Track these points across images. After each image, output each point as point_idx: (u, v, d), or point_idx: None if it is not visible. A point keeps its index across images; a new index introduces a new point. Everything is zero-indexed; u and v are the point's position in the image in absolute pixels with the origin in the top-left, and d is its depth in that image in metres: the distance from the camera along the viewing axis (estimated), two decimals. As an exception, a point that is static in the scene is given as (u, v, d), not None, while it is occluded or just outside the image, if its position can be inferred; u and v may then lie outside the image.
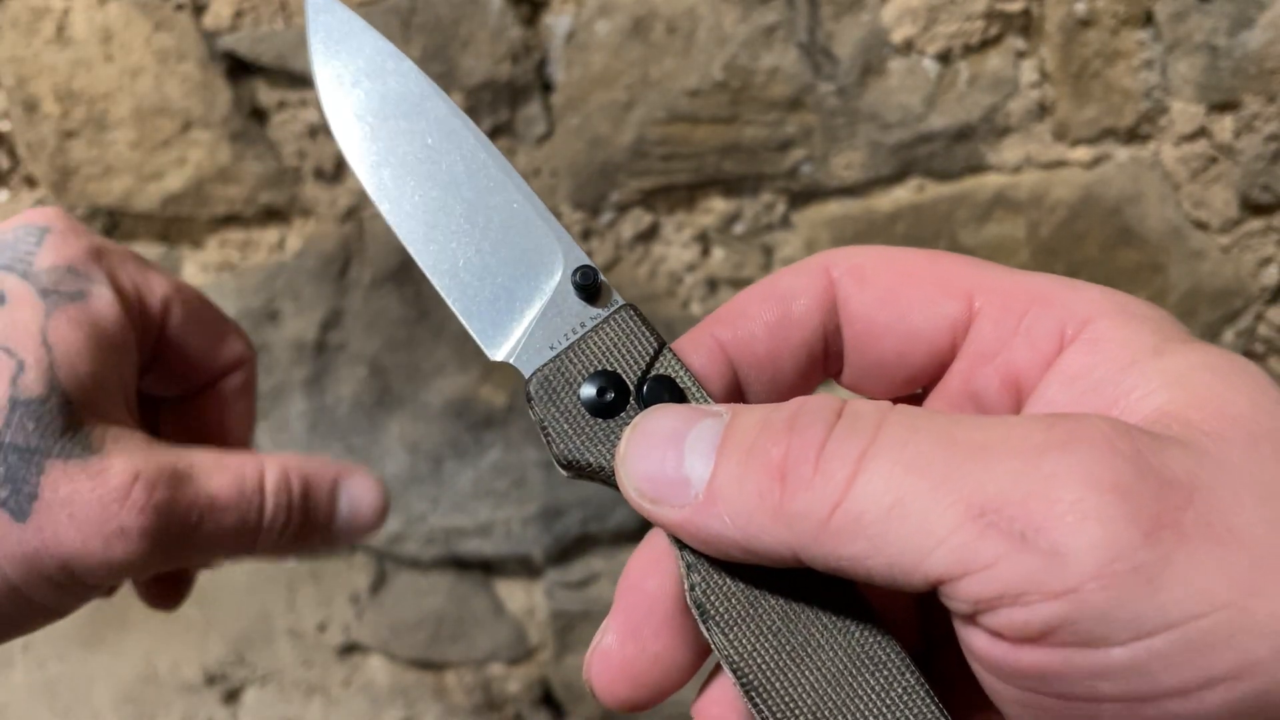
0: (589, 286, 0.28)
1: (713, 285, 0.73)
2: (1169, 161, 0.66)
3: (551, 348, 0.28)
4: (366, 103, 0.29)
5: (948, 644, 0.27)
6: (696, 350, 0.29)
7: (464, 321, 0.29)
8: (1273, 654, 0.20)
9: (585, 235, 0.72)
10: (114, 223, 0.76)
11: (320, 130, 0.71)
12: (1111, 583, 0.20)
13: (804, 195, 0.69)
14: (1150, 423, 0.23)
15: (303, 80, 0.69)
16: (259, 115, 0.71)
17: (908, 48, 0.65)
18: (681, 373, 0.28)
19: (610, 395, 0.27)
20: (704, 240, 0.72)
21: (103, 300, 0.31)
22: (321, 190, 0.73)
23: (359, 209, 0.73)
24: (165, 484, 0.30)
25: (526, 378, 0.28)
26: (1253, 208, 0.66)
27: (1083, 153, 0.66)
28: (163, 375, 0.36)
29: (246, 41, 0.68)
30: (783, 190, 0.69)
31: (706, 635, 0.26)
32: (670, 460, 0.25)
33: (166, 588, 0.37)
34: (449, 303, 0.29)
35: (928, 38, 0.64)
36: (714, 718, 0.28)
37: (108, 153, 0.72)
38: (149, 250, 0.76)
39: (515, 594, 0.85)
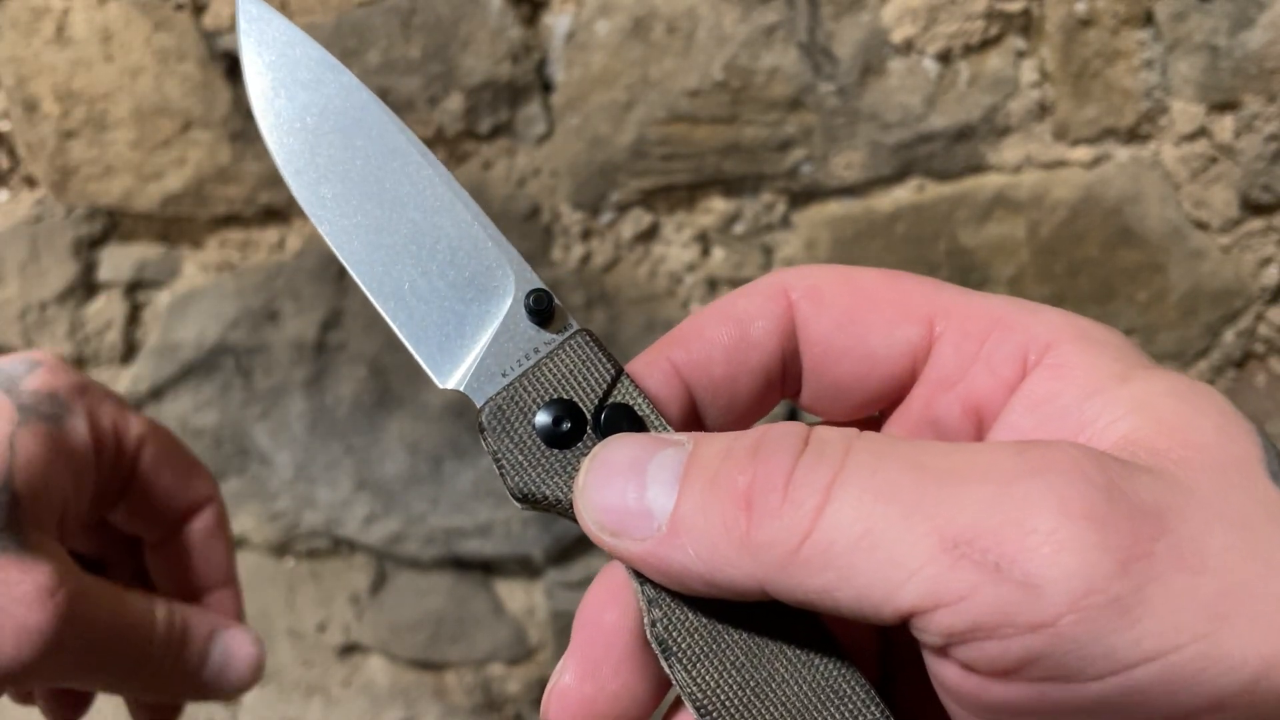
0: (542, 311, 0.27)
1: (713, 285, 0.73)
2: (1169, 161, 0.66)
3: (504, 374, 0.27)
4: (304, 116, 0.28)
5: (909, 674, 0.27)
6: (651, 373, 0.28)
7: (410, 348, 0.28)
8: (1244, 687, 0.20)
9: (585, 235, 0.72)
10: (114, 223, 0.76)
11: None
12: (1087, 615, 0.20)
13: (804, 195, 0.69)
14: (1118, 450, 0.22)
15: (303, 80, 0.69)
16: (259, 115, 0.71)
17: (908, 48, 0.65)
18: (640, 400, 0.27)
19: (566, 425, 0.26)
20: (704, 240, 0.72)
21: (74, 429, 0.34)
22: (321, 190, 0.73)
23: (359, 209, 0.73)
24: (82, 599, 0.31)
25: (478, 407, 0.27)
26: (1253, 207, 0.66)
27: (1083, 153, 0.66)
28: (134, 508, 0.38)
29: (246, 41, 0.68)
30: (783, 190, 0.69)
31: (669, 671, 0.26)
32: (631, 491, 0.24)
33: (65, 702, 0.39)
34: (394, 328, 0.28)
35: (928, 38, 0.64)
36: None
37: (108, 152, 0.72)
38: (148, 251, 0.76)
39: (515, 594, 0.85)
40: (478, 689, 0.89)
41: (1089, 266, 0.68)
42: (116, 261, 0.77)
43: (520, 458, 0.27)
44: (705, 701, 0.25)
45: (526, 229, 0.72)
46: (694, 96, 0.66)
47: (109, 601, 0.33)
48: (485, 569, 0.85)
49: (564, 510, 0.27)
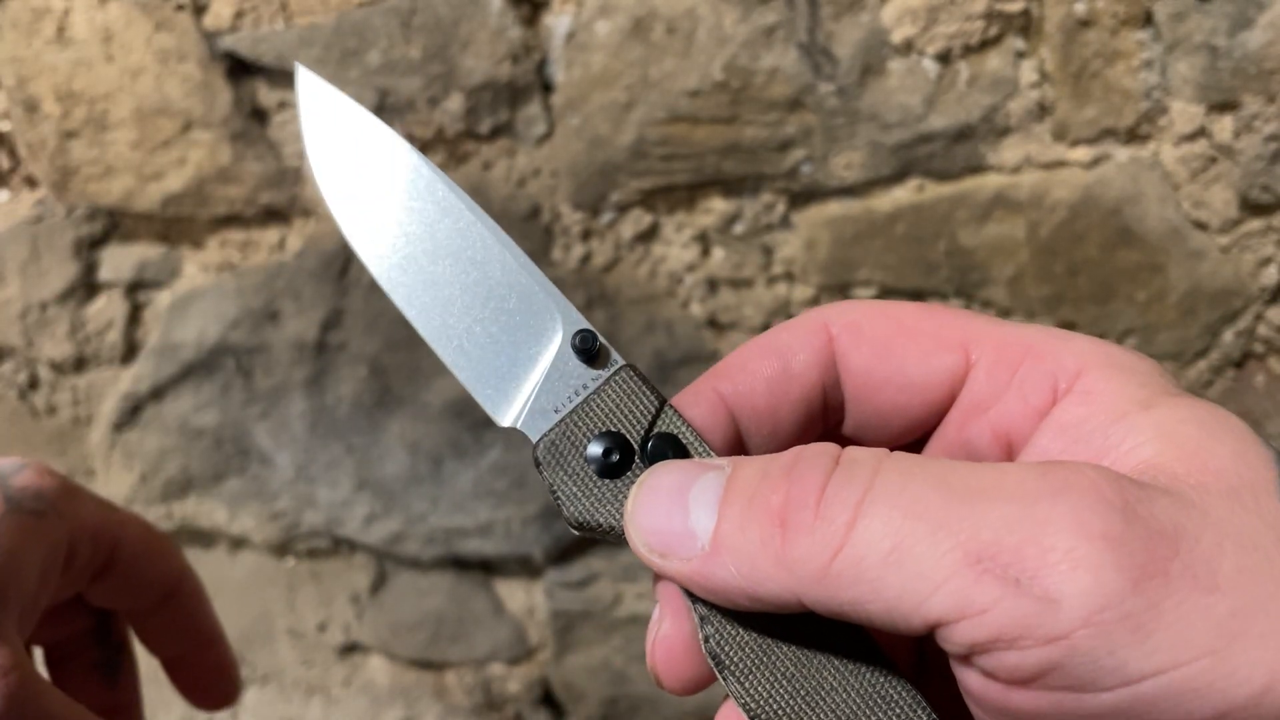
0: (589, 350, 0.29)
1: (713, 285, 0.73)
2: (1169, 162, 0.66)
3: (556, 411, 0.29)
4: (362, 183, 0.30)
5: (940, 681, 0.28)
6: (698, 403, 0.29)
7: (471, 392, 0.29)
8: (1250, 700, 0.21)
9: (585, 235, 0.72)
10: (115, 223, 0.76)
11: (320, 130, 0.71)
12: (1101, 630, 0.21)
13: (804, 195, 0.69)
14: (1138, 473, 0.24)
15: (303, 80, 0.69)
16: (259, 115, 0.71)
17: (908, 48, 0.65)
18: (683, 428, 0.28)
19: (615, 456, 0.28)
20: (704, 240, 0.72)
21: (55, 527, 0.35)
22: (322, 190, 0.73)
23: (359, 209, 0.73)
24: (28, 684, 0.32)
25: (533, 443, 0.29)
26: (1252, 208, 0.66)
27: (1082, 153, 0.66)
28: (115, 587, 0.40)
29: (247, 42, 0.68)
30: (783, 190, 0.69)
31: (724, 684, 0.27)
32: (676, 514, 0.25)
33: None
34: (456, 374, 0.30)
35: (927, 38, 0.64)
36: None
37: (108, 153, 0.72)
38: (149, 251, 0.76)
39: (515, 594, 0.85)
40: (478, 689, 0.89)
41: (1088, 267, 0.68)
42: (117, 262, 0.77)
43: (575, 489, 0.28)
44: (759, 711, 0.26)
45: (526, 229, 0.72)
46: (694, 97, 0.66)
47: (51, 696, 0.34)
48: (485, 569, 0.85)
49: (616, 537, 0.28)
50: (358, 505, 0.81)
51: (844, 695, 0.26)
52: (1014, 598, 0.21)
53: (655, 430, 0.28)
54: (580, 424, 0.29)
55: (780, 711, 0.26)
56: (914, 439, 0.30)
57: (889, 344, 0.29)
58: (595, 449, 0.28)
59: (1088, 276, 0.68)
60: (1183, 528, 0.22)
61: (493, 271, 0.30)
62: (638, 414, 0.29)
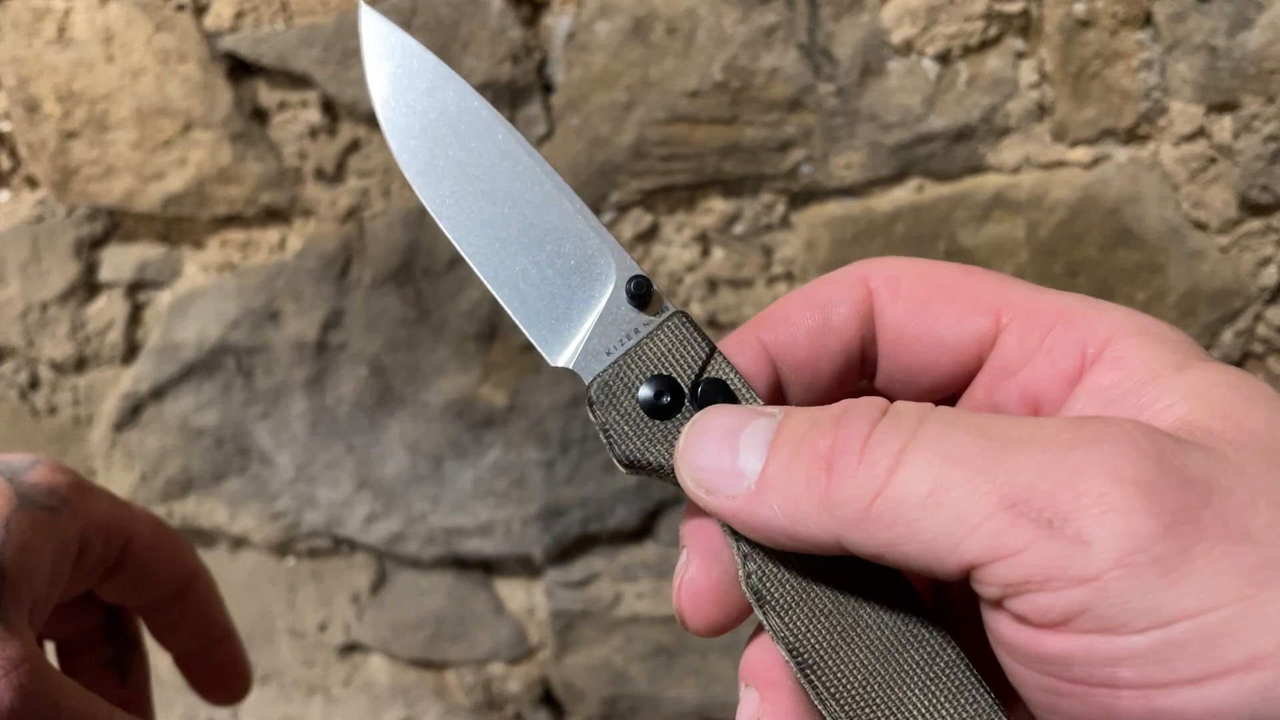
0: (642, 295, 0.30)
1: (713, 285, 0.73)
2: (1168, 162, 0.66)
3: (609, 353, 0.30)
4: (422, 121, 0.30)
5: (961, 633, 0.29)
6: (742, 351, 0.30)
7: (525, 331, 0.30)
8: (1278, 647, 0.21)
9: (585, 235, 0.72)
10: (115, 223, 0.77)
11: (321, 130, 0.71)
12: (1132, 572, 0.21)
13: (804, 195, 0.70)
14: (1174, 430, 0.24)
15: (303, 81, 0.69)
16: (260, 116, 0.71)
17: (907, 48, 0.65)
18: (733, 376, 0.29)
19: (666, 398, 0.29)
20: (704, 240, 0.72)
21: (67, 523, 0.36)
22: (322, 190, 0.73)
23: (359, 209, 0.73)
24: (40, 678, 0.32)
25: (587, 383, 0.30)
26: (1251, 208, 0.66)
27: (1082, 153, 0.66)
28: (128, 584, 0.41)
29: (247, 42, 0.68)
30: (782, 190, 0.69)
31: (762, 618, 0.28)
32: (726, 454, 0.26)
33: None
34: (511, 313, 0.30)
35: (927, 38, 0.64)
36: (762, 669, 0.30)
37: (109, 153, 0.72)
38: (149, 251, 0.77)
39: (515, 594, 0.86)
40: (478, 688, 0.89)
41: (1088, 267, 0.68)
42: (118, 262, 0.77)
43: (626, 428, 0.29)
44: (797, 644, 0.28)
45: (527, 229, 0.72)
46: (694, 97, 0.66)
47: (62, 687, 0.34)
48: (485, 568, 0.85)
49: (665, 474, 0.29)
50: (358, 505, 0.81)
51: (878, 631, 0.28)
52: (1046, 540, 0.22)
53: (705, 375, 0.29)
54: (632, 366, 0.29)
55: (817, 645, 0.28)
56: (942, 398, 0.31)
57: (924, 302, 0.29)
58: (647, 391, 0.29)
59: (1087, 277, 0.69)
60: (1215, 480, 0.22)
61: (549, 216, 0.30)
62: (688, 359, 0.29)
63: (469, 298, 0.74)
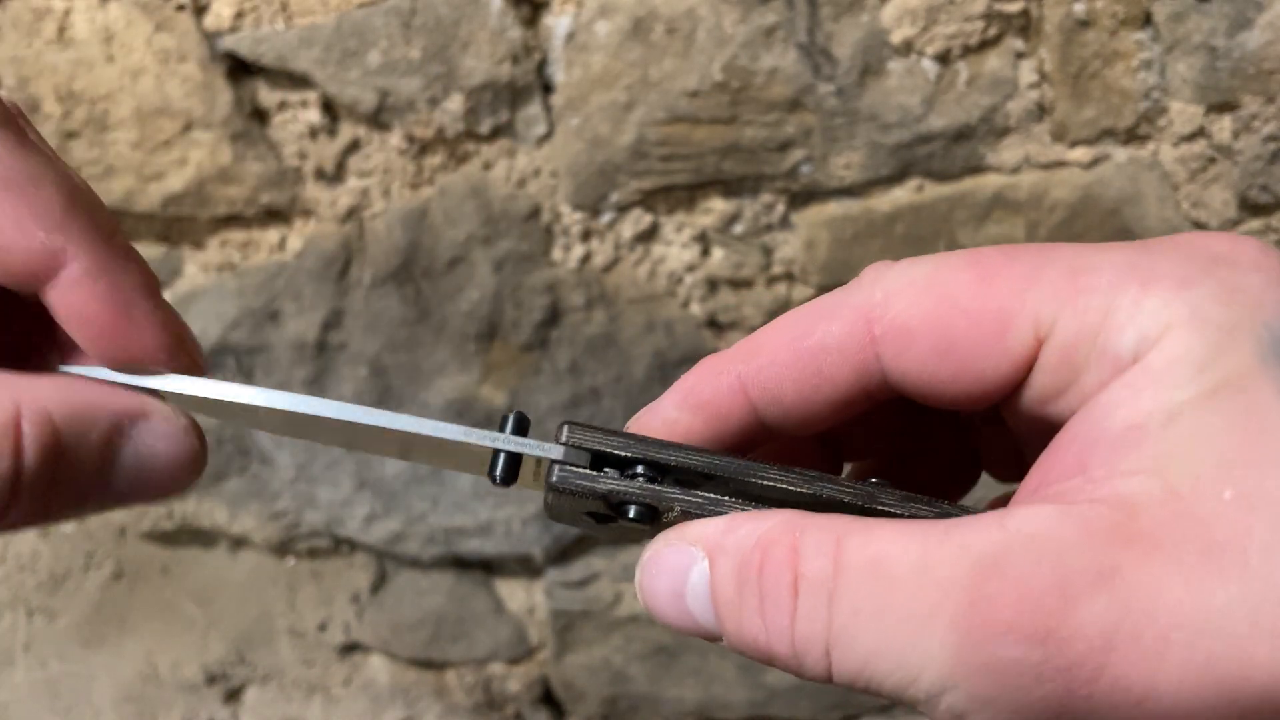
0: (511, 470, 0.29)
1: (713, 285, 0.73)
2: (1168, 162, 0.66)
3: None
4: None
5: (993, 447, 0.31)
6: (715, 385, 0.28)
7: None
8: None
9: (585, 235, 0.72)
10: (115, 223, 0.77)
11: (321, 130, 0.71)
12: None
13: (804, 195, 0.70)
14: (1098, 518, 0.22)
15: (303, 81, 0.70)
16: (260, 116, 0.71)
17: (907, 48, 0.65)
18: (631, 488, 0.27)
19: (608, 515, 0.28)
20: (704, 240, 0.72)
21: None
22: (322, 190, 0.73)
23: (359, 209, 0.73)
24: None
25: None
26: (1251, 208, 0.66)
27: (1081, 153, 0.66)
28: None
29: (247, 42, 0.68)
30: (782, 190, 0.69)
31: None
32: (685, 617, 0.26)
33: None
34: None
35: (927, 38, 0.64)
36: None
37: (109, 153, 0.72)
38: (150, 251, 0.77)
39: (515, 593, 0.86)
40: (478, 688, 0.89)
41: (1088, 267, 0.68)
42: (118, 262, 0.77)
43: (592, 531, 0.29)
44: None
45: (526, 229, 0.72)
46: (694, 97, 0.66)
47: None
48: (485, 568, 0.85)
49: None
50: (358, 505, 0.81)
51: None
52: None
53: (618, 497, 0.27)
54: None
55: None
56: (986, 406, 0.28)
57: (945, 340, 0.25)
58: (587, 516, 0.28)
59: (1087, 276, 0.69)
60: (1116, 631, 0.21)
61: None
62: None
63: (469, 298, 0.74)
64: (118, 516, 0.86)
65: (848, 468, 0.33)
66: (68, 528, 0.88)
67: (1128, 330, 0.23)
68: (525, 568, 0.84)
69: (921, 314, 0.25)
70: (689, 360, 0.74)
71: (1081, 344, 0.24)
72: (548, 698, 0.89)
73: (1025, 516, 0.22)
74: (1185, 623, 0.20)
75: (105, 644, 0.91)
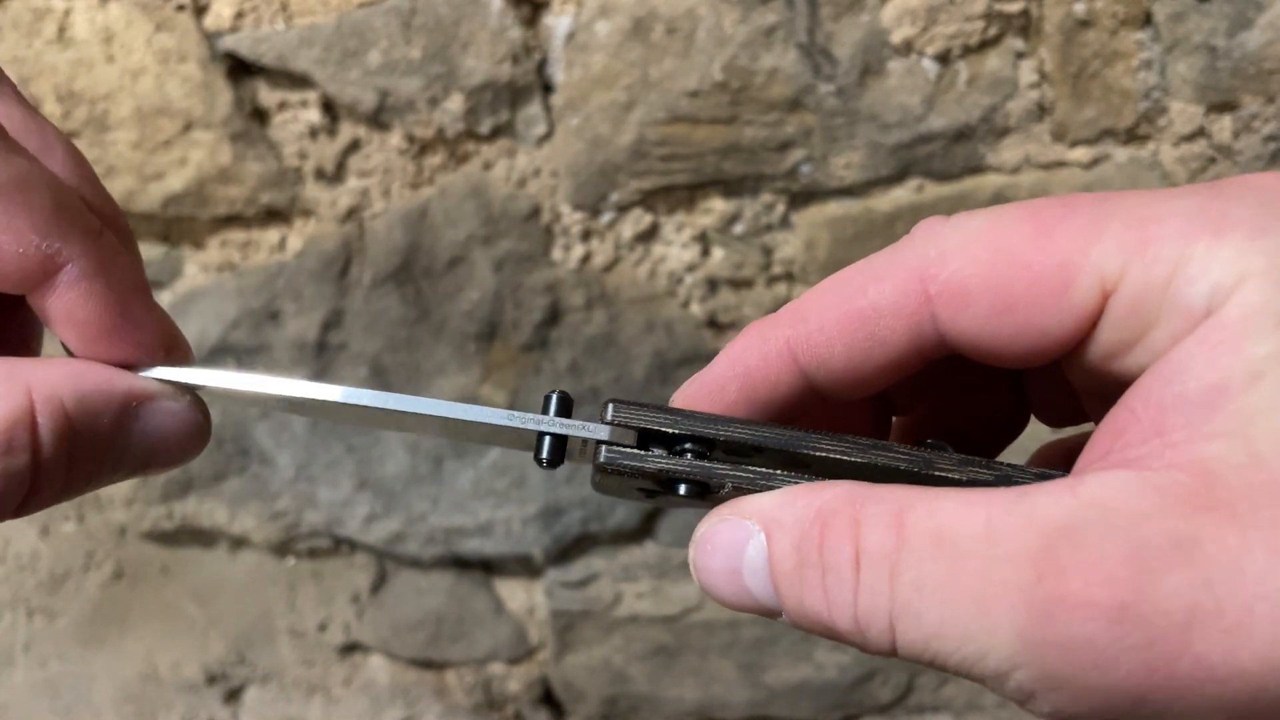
0: (558, 452, 0.28)
1: (713, 285, 0.73)
2: (1168, 162, 0.66)
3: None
4: None
5: (1045, 389, 0.29)
6: (762, 350, 0.27)
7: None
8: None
9: (585, 235, 0.72)
10: (115, 223, 0.77)
11: (321, 130, 0.71)
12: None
13: (804, 195, 0.70)
14: (1184, 488, 0.21)
15: (303, 81, 0.69)
16: (260, 116, 0.71)
17: (907, 48, 0.65)
18: (678, 465, 0.27)
19: (658, 490, 0.27)
20: (704, 240, 0.72)
21: None
22: (322, 190, 0.73)
23: (359, 209, 0.73)
24: None
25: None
26: (1251, 208, 0.66)
27: (1081, 153, 0.66)
28: None
29: (247, 42, 0.69)
30: (782, 190, 0.69)
31: None
32: (744, 594, 0.25)
33: None
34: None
35: (927, 38, 0.64)
36: None
37: (109, 153, 0.72)
38: (150, 251, 0.77)
39: (515, 593, 0.86)
40: (478, 688, 0.89)
41: (1088, 267, 0.68)
42: (118, 261, 0.77)
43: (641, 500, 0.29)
44: None
45: (526, 229, 0.72)
46: (694, 97, 0.66)
47: None
48: (485, 568, 0.85)
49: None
50: (358, 505, 0.81)
51: None
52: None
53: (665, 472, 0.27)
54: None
55: None
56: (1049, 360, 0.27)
57: (1005, 297, 0.24)
58: (641, 496, 0.28)
59: (1087, 276, 0.69)
60: (1200, 603, 0.20)
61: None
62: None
63: (469, 298, 0.74)
64: (118, 516, 0.86)
65: (895, 421, 0.32)
66: (68, 528, 0.88)
67: (1200, 282, 0.22)
68: (525, 568, 0.84)
69: (980, 271, 0.24)
70: (689, 360, 0.74)
71: (1151, 297, 0.23)
72: (548, 698, 0.89)
73: (1100, 483, 0.21)
74: (1270, 594, 0.19)
75: (105, 644, 0.91)
